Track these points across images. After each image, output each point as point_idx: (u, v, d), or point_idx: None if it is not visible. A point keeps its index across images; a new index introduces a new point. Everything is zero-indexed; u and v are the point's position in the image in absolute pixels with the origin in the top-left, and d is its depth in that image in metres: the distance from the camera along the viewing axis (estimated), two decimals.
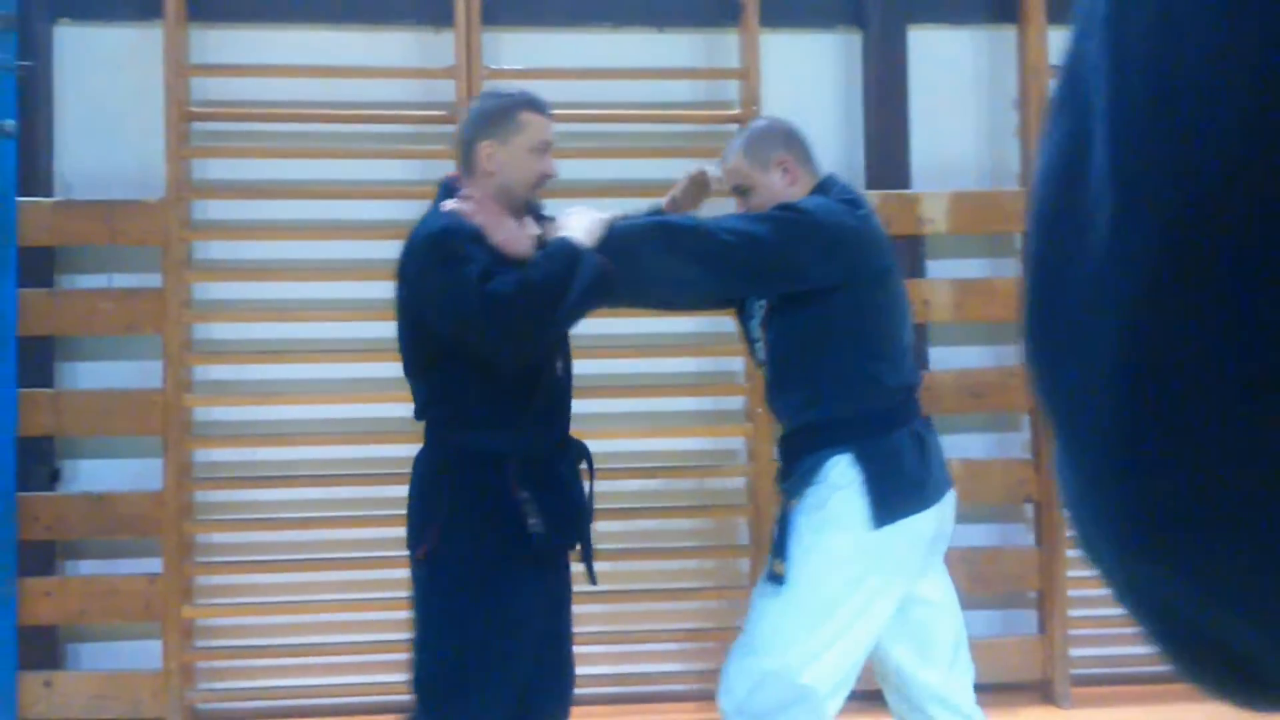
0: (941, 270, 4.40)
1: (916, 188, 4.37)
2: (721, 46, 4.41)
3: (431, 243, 2.31)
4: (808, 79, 4.42)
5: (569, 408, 2.53)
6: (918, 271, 4.34)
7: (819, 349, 2.44)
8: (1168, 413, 0.37)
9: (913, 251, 4.34)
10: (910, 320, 2.58)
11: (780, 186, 2.51)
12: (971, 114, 4.48)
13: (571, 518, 2.44)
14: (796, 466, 2.45)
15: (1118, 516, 0.41)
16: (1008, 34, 4.45)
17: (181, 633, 4.06)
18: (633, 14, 4.38)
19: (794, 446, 2.49)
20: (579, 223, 2.32)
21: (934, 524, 2.45)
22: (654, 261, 2.30)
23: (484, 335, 2.23)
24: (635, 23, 4.38)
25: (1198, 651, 0.41)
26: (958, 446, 4.33)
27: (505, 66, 4.29)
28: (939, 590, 2.55)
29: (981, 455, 4.38)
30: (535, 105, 2.47)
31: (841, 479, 2.37)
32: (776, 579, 2.41)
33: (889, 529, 2.35)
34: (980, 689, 4.14)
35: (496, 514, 2.32)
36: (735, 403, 4.31)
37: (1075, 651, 4.25)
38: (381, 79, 4.30)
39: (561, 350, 2.51)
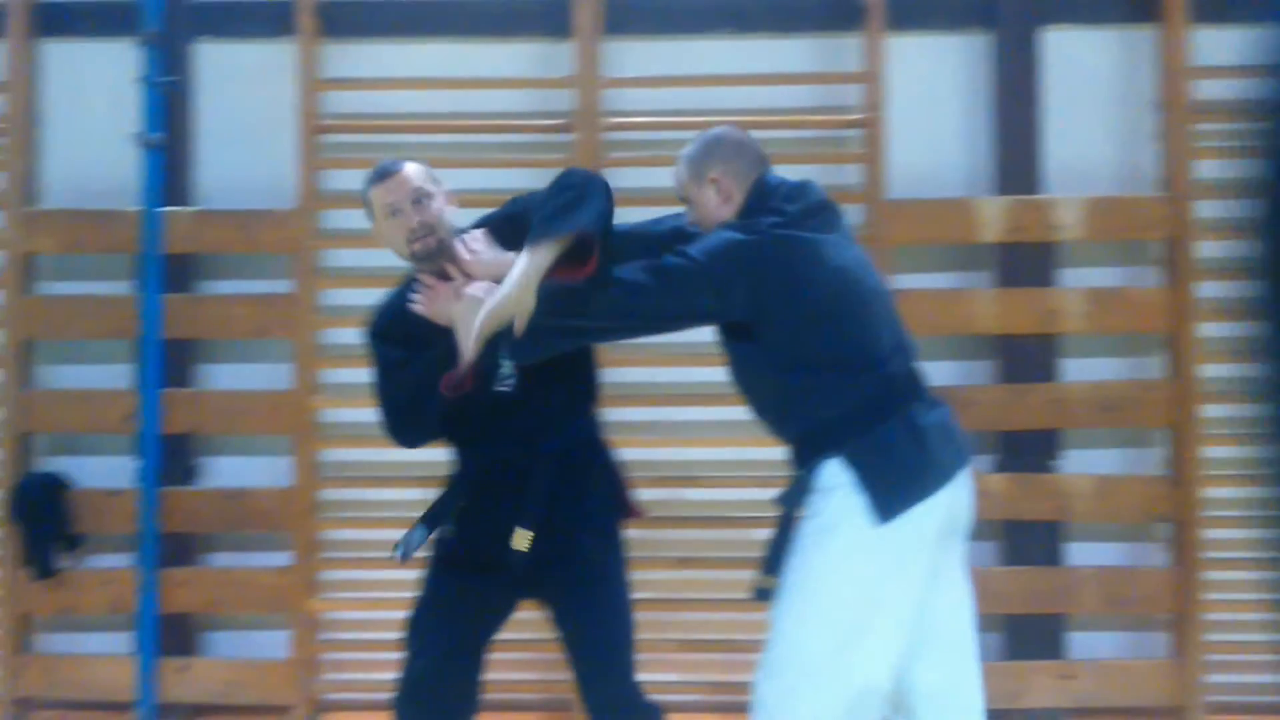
0: (1074, 279, 4.25)
1: (1049, 193, 4.23)
2: (844, 50, 4.35)
3: None
4: (933, 82, 4.33)
5: (523, 423, 2.66)
6: (1048, 280, 4.21)
7: (778, 369, 2.40)
8: None
9: (1044, 259, 4.21)
10: (884, 304, 2.47)
11: (714, 204, 2.50)
12: (1106, 117, 4.31)
13: (496, 529, 2.62)
14: (791, 480, 2.44)
15: None
16: (1146, 34, 4.27)
17: (308, 625, 4.23)
18: (754, 19, 4.36)
19: (791, 459, 2.48)
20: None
21: (943, 510, 2.38)
22: (550, 323, 2.35)
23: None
24: (756, 28, 4.36)
25: None
26: (1089, 462, 4.21)
27: (626, 75, 4.32)
28: (950, 586, 2.48)
29: (1114, 471, 4.23)
30: (374, 179, 2.73)
31: (833, 482, 2.34)
32: (763, 594, 2.41)
33: (894, 524, 2.30)
34: (1110, 713, 4.07)
35: (438, 522, 2.78)
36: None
37: (1211, 678, 4.06)
38: (504, 89, 4.40)
39: (514, 374, 2.66)
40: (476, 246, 2.63)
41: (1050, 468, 4.20)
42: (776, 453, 2.56)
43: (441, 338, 2.59)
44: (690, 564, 4.20)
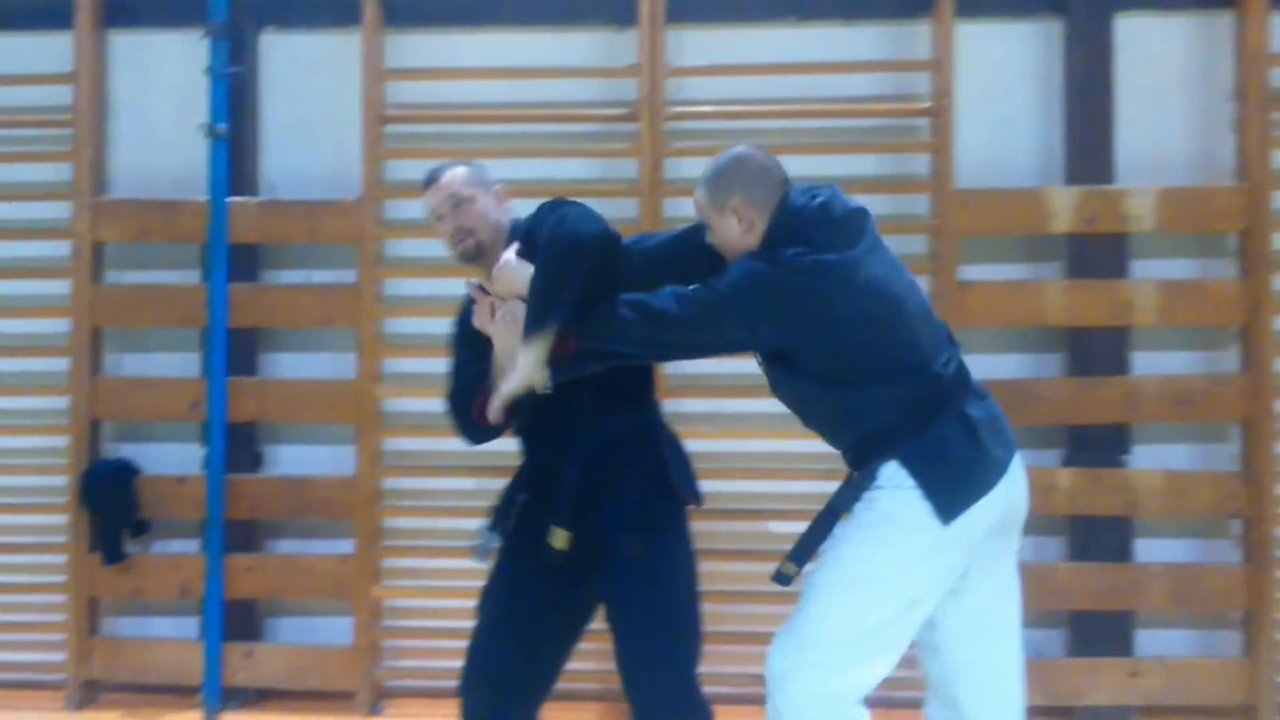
0: (1147, 270, 4.18)
1: (1121, 183, 4.16)
2: (912, 37, 4.30)
3: None
4: (1004, 70, 4.27)
5: (555, 421, 2.68)
6: (1120, 271, 4.14)
7: (821, 387, 2.41)
8: None
9: (1116, 250, 4.15)
10: (918, 302, 2.45)
11: (736, 234, 2.47)
12: (1181, 105, 4.23)
13: (538, 526, 2.66)
14: (847, 480, 2.45)
15: None
16: (1223, 20, 4.18)
17: (371, 612, 4.27)
18: (819, 7, 4.33)
19: (847, 460, 2.48)
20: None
21: (1000, 505, 2.38)
22: (585, 347, 2.42)
23: None
24: (822, 16, 4.32)
25: None
26: (1160, 457, 4.15)
27: (689, 64, 4.30)
28: (1000, 577, 2.48)
29: (1186, 467, 4.16)
30: (423, 185, 2.85)
31: (892, 481, 2.36)
32: (784, 579, 2.42)
33: (957, 521, 2.32)
34: (1178, 712, 4.01)
35: (503, 518, 2.79)
36: None
37: None
38: (567, 79, 4.39)
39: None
40: (507, 260, 2.61)
41: (1120, 462, 4.14)
42: (801, 445, 2.55)
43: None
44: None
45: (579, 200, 2.59)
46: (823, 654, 2.33)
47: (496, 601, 2.80)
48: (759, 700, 2.49)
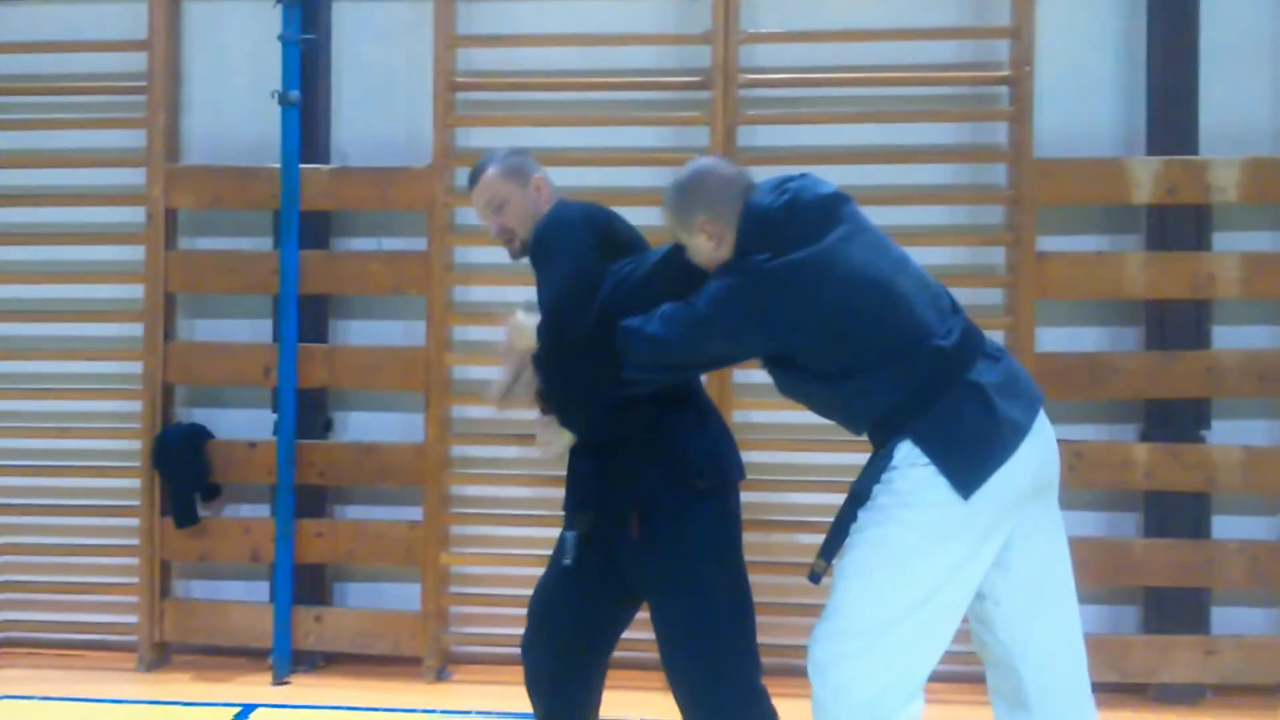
0: (1230, 243, 4.12)
1: (1205, 153, 4.09)
2: (992, 3, 4.24)
3: None
4: (1085, 36, 4.21)
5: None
6: (1202, 244, 4.08)
7: (824, 381, 2.39)
8: None
9: (1198, 221, 4.09)
10: (910, 278, 2.39)
11: (708, 250, 2.46)
12: (1269, 74, 4.16)
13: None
14: (867, 464, 2.41)
15: None
16: None
17: (439, 578, 4.32)
18: None
19: (872, 445, 2.45)
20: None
21: (1031, 467, 2.32)
22: (589, 381, 2.49)
23: None
24: None
25: None
26: (1241, 432, 4.11)
27: (762, 30, 4.26)
28: (1044, 542, 2.40)
29: (1266, 444, 4.11)
30: (469, 185, 2.85)
31: (906, 460, 2.31)
32: (815, 577, 2.40)
33: (979, 494, 2.26)
34: (1254, 690, 3.99)
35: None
36: None
37: None
38: (639, 45, 4.37)
39: None
40: (515, 322, 2.63)
41: (1199, 438, 4.09)
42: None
43: None
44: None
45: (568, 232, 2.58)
46: (859, 641, 2.30)
47: (552, 573, 2.80)
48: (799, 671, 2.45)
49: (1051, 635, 2.41)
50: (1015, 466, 2.30)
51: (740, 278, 2.34)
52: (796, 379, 2.45)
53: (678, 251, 2.55)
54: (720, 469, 2.65)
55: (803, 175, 2.47)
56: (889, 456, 2.34)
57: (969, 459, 2.28)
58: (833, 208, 2.40)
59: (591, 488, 2.65)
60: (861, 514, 2.36)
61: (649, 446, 2.61)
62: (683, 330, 2.37)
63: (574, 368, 2.49)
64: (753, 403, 4.14)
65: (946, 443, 2.29)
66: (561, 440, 2.62)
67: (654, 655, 2.67)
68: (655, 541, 2.58)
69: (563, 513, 2.78)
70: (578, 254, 2.52)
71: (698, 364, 2.51)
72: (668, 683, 2.63)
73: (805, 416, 2.55)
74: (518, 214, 2.74)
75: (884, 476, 2.34)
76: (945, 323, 2.38)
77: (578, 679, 2.80)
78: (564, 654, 2.74)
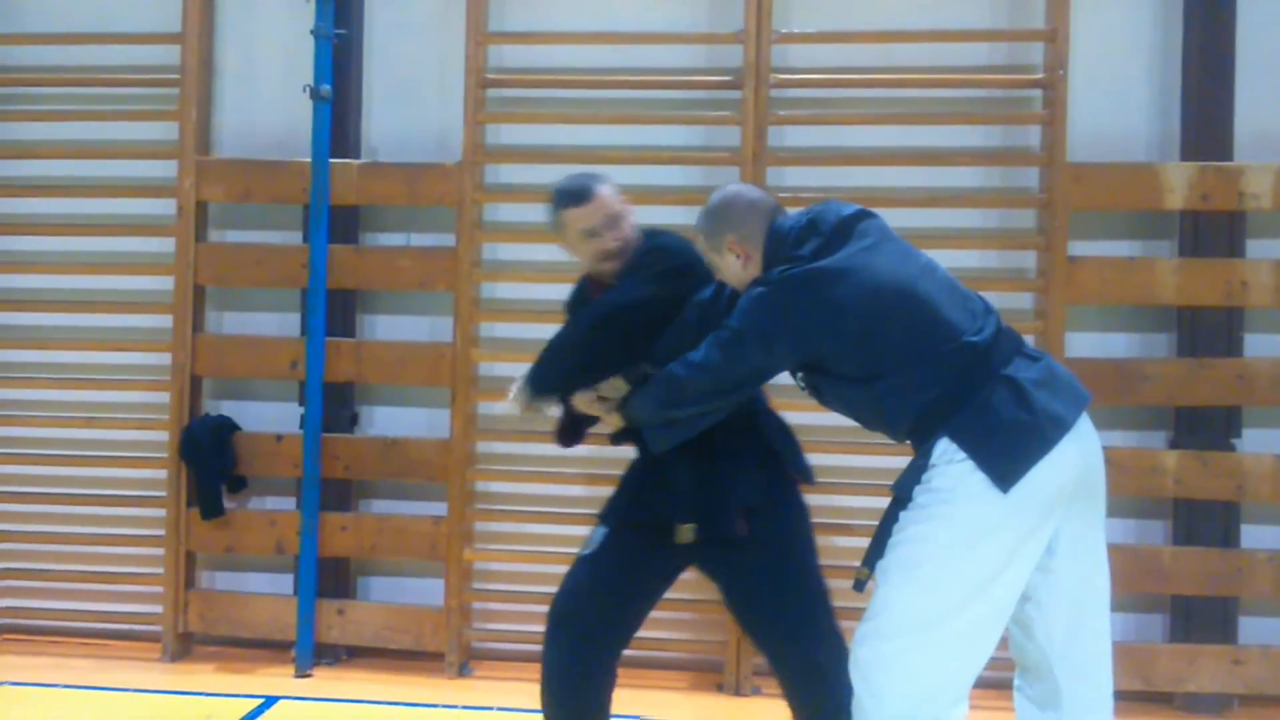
0: (1263, 250, 4.13)
1: (1240, 159, 4.11)
2: (1026, 6, 4.27)
3: None
4: (1120, 41, 4.23)
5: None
6: (1236, 250, 4.09)
7: (857, 385, 2.44)
8: None
9: (1231, 228, 4.10)
10: (938, 283, 2.45)
11: (737, 269, 2.59)
12: None
13: (631, 504, 2.84)
14: (907, 466, 2.43)
15: None
16: None
17: (462, 573, 4.37)
18: None
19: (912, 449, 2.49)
20: None
21: (1072, 464, 2.32)
22: (660, 419, 2.63)
23: None
24: None
25: None
26: (1272, 441, 4.15)
27: (795, 30, 4.30)
28: (1085, 551, 2.41)
29: None
30: (571, 199, 2.84)
31: (943, 458, 2.33)
32: (859, 585, 2.42)
33: (1019, 487, 2.26)
34: None
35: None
36: None
37: None
38: (671, 44, 4.41)
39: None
40: None
41: (1230, 446, 4.10)
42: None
43: None
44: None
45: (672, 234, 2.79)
46: (901, 641, 2.31)
47: (584, 561, 2.87)
48: None
49: (1090, 643, 2.43)
50: (1056, 461, 2.30)
51: (765, 288, 2.45)
52: (834, 386, 2.50)
53: (718, 293, 2.72)
54: (806, 465, 2.87)
55: (825, 203, 2.59)
56: (927, 455, 2.36)
57: (1006, 451, 2.29)
58: (853, 223, 2.50)
59: (692, 498, 2.74)
60: (902, 515, 2.39)
61: (747, 447, 2.78)
62: (719, 351, 2.48)
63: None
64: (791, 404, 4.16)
65: (983, 436, 2.30)
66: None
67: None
68: (764, 537, 2.71)
69: (598, 510, 2.87)
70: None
71: (741, 382, 2.55)
72: (778, 663, 2.75)
73: (840, 419, 2.59)
74: (630, 227, 2.85)
75: (923, 476, 2.36)
76: (976, 322, 2.42)
77: (600, 678, 2.86)
78: (591, 637, 2.81)
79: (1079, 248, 4.13)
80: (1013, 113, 4.29)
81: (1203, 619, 4.10)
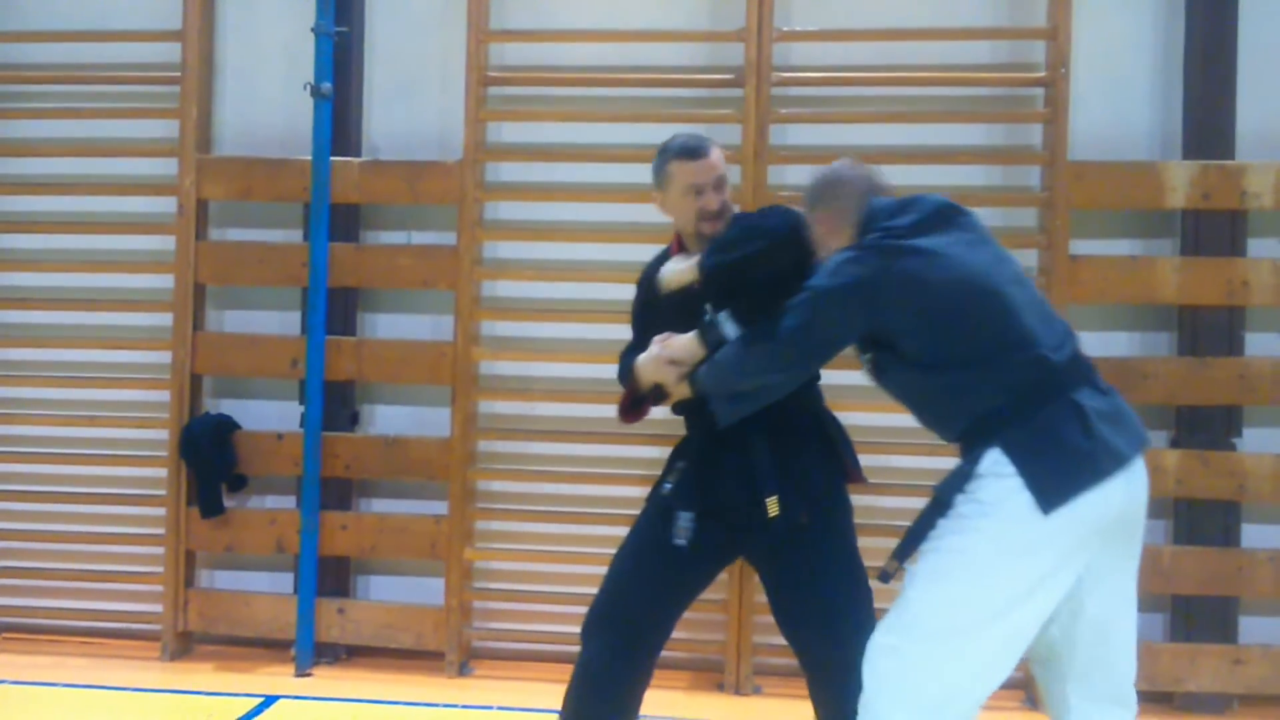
0: (1264, 249, 4.15)
1: (1241, 158, 4.12)
2: (1028, 4, 4.28)
3: None
4: (1122, 39, 4.24)
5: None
6: (1237, 249, 4.11)
7: (923, 371, 2.42)
8: None
9: (1233, 226, 4.12)
10: (1026, 294, 2.44)
11: (824, 239, 2.64)
12: None
13: (702, 488, 2.80)
14: (953, 470, 2.41)
15: None
16: None
17: (462, 573, 4.38)
18: None
19: (959, 455, 2.45)
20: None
21: (1118, 501, 2.29)
22: (742, 388, 2.62)
23: None
24: None
25: None
26: (1273, 440, 4.17)
27: (796, 28, 4.31)
28: (1118, 589, 2.39)
29: None
30: (683, 153, 2.85)
31: (994, 470, 2.30)
32: (885, 577, 2.42)
33: (1062, 512, 2.23)
34: None
35: (663, 472, 2.93)
36: None
37: None
38: (672, 42, 4.43)
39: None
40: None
41: (1230, 445, 4.12)
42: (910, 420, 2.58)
43: (666, 329, 2.78)
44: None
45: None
46: (909, 642, 2.30)
47: (626, 558, 2.88)
48: None
49: (1111, 681, 2.42)
50: (1105, 494, 2.27)
51: (855, 251, 2.46)
52: (898, 369, 2.47)
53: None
54: (859, 462, 2.92)
55: (926, 195, 2.60)
56: (975, 462, 2.33)
57: (1057, 474, 2.26)
58: (951, 214, 2.51)
59: (776, 477, 2.74)
60: (940, 522, 2.36)
61: (813, 436, 2.84)
62: (799, 311, 2.47)
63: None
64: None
65: (1036, 455, 2.27)
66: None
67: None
68: (824, 529, 2.75)
69: (665, 495, 2.84)
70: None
71: (814, 348, 2.53)
72: (812, 661, 2.76)
73: (888, 420, 2.59)
74: (728, 197, 2.88)
75: (967, 486, 2.33)
76: (1056, 338, 2.39)
77: (642, 679, 2.88)
78: (632, 640, 2.82)
79: (1080, 246, 4.14)
80: (1014, 111, 4.31)
81: (1203, 618, 4.12)
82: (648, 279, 2.97)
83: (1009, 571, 2.26)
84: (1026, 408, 2.31)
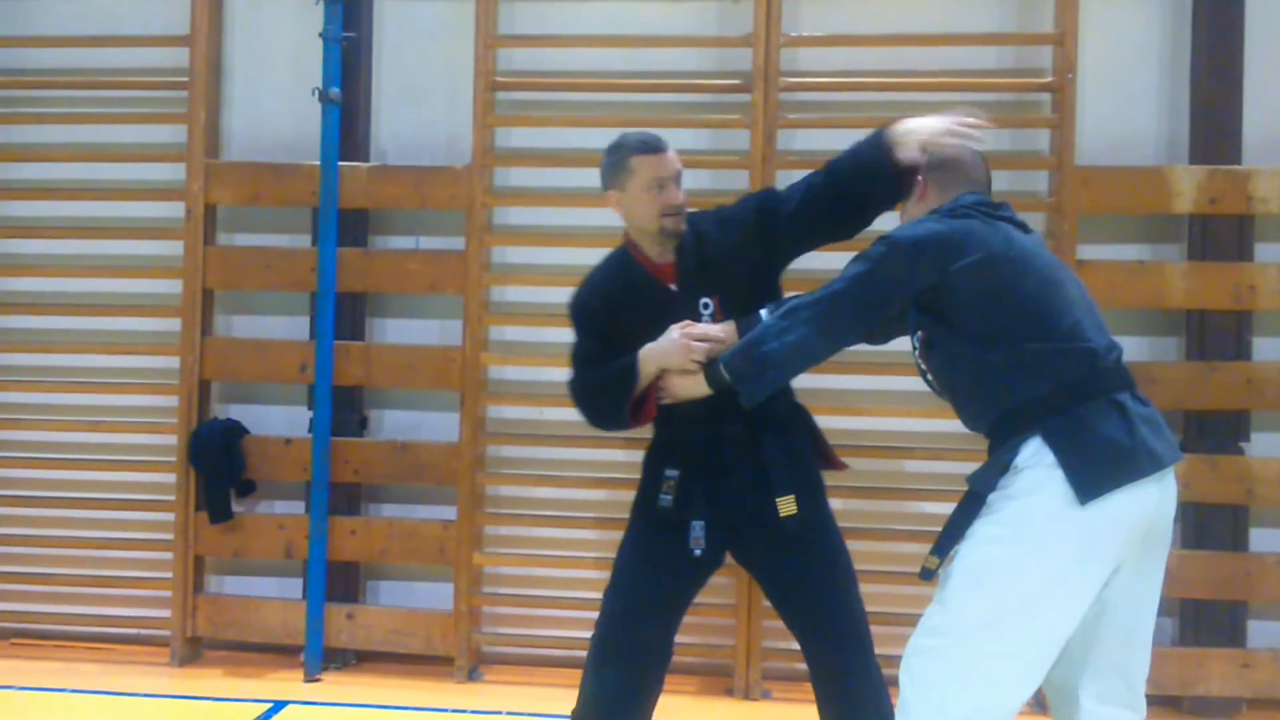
0: (1272, 254, 4.18)
1: (1248, 163, 4.16)
2: (1035, 9, 4.33)
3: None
4: (1129, 44, 4.28)
5: (726, 406, 2.70)
6: (1244, 254, 4.14)
7: (972, 343, 2.45)
8: None
9: (1240, 231, 4.15)
10: (1081, 296, 2.50)
11: (914, 201, 2.74)
12: None
13: (708, 495, 2.79)
14: (988, 460, 2.44)
15: None
16: None
17: (471, 578, 4.41)
18: None
19: (990, 444, 2.49)
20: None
21: (1152, 505, 2.32)
22: (777, 349, 2.59)
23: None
24: None
25: None
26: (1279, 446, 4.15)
27: (804, 33, 4.35)
28: (1146, 595, 2.43)
29: None
30: (644, 148, 2.86)
31: (1031, 461, 2.32)
32: (927, 574, 2.42)
33: (1098, 504, 2.25)
34: None
35: (645, 485, 2.91)
36: None
37: None
38: (680, 48, 4.46)
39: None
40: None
41: (1238, 450, 4.15)
42: (944, 425, 2.59)
43: (638, 337, 2.78)
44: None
45: None
46: (950, 644, 2.31)
47: (634, 578, 2.87)
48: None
49: (1125, 685, 2.45)
50: (1141, 494, 2.30)
51: (933, 215, 2.58)
52: (948, 342, 2.50)
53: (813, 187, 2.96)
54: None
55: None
56: (1014, 453, 2.35)
57: (1097, 466, 2.28)
58: (1027, 227, 2.61)
59: (789, 480, 2.78)
60: (976, 522, 2.38)
61: (802, 429, 2.90)
62: (868, 261, 2.53)
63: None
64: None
65: (1077, 445, 2.30)
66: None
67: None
68: (818, 518, 2.82)
69: (666, 508, 2.84)
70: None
71: (875, 295, 2.55)
72: (822, 641, 2.81)
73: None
74: (684, 196, 2.91)
75: (1003, 480, 2.36)
76: (1105, 339, 2.46)
77: (652, 697, 2.91)
78: (641, 672, 2.85)
79: (1087, 251, 4.17)
80: (1022, 116, 4.34)
81: (1211, 622, 4.15)
82: (615, 291, 2.93)
83: (1046, 567, 2.29)
84: (1069, 400, 2.34)
